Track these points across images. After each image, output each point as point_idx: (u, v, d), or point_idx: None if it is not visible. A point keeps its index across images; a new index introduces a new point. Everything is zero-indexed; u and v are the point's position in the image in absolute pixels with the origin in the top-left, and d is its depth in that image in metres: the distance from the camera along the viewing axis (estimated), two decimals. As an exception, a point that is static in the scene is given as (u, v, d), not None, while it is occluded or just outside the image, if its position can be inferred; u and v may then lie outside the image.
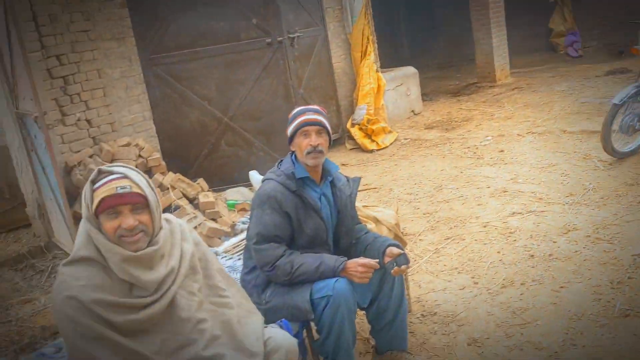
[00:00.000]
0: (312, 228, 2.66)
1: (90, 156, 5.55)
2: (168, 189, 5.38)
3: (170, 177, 5.66)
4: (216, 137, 6.50)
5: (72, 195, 5.20)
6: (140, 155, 5.64)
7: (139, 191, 1.91)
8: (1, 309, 4.39)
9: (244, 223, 4.74)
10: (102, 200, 1.86)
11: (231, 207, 5.77)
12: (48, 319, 4.13)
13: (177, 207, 5.17)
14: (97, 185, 1.89)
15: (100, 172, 1.92)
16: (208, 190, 5.90)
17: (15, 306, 4.46)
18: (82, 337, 1.81)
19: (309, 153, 2.66)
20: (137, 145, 5.76)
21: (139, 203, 1.91)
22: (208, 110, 6.42)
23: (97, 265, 1.89)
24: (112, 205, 1.86)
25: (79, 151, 5.57)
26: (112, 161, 5.53)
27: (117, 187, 1.87)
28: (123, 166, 1.95)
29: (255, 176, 6.03)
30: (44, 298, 4.52)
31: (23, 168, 5.50)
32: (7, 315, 4.30)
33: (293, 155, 2.76)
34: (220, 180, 6.35)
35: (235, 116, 6.52)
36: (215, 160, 6.54)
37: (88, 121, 5.66)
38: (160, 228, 2.01)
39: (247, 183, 6.12)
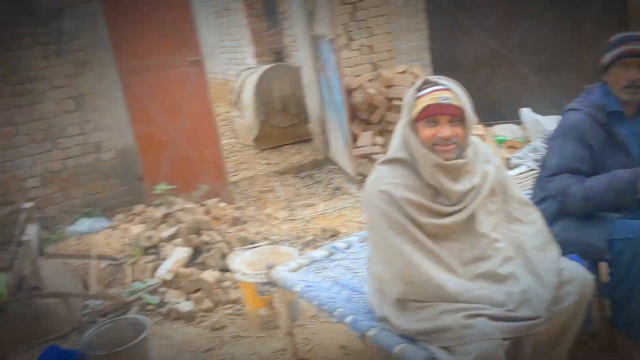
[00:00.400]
0: (616, 165, 2.46)
1: (369, 81, 5.87)
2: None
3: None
4: (491, 70, 6.32)
5: (350, 116, 5.60)
6: (414, 84, 5.77)
7: (459, 104, 1.97)
8: (289, 209, 5.04)
9: (519, 158, 4.62)
10: (425, 108, 1.97)
11: (499, 143, 5.64)
12: (327, 222, 4.62)
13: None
14: (421, 93, 2.01)
15: (426, 81, 2.03)
16: (477, 124, 5.83)
17: (299, 208, 5.08)
18: (391, 229, 1.98)
19: (626, 87, 2.43)
20: (412, 73, 5.90)
21: (457, 116, 1.98)
22: (486, 41, 6.24)
23: (409, 167, 2.03)
24: (432, 113, 1.96)
25: (358, 75, 5.93)
26: (388, 87, 5.79)
27: (439, 97, 1.96)
28: (447, 79, 2.02)
29: (527, 114, 5.77)
30: (323, 205, 5.05)
31: (311, 87, 6.07)
32: (292, 214, 4.92)
33: (604, 86, 2.55)
34: (489, 115, 6.19)
35: (514, 49, 6.22)
36: (487, 94, 6.35)
37: (369, 47, 5.95)
38: (469, 145, 2.06)
39: (518, 120, 5.90)
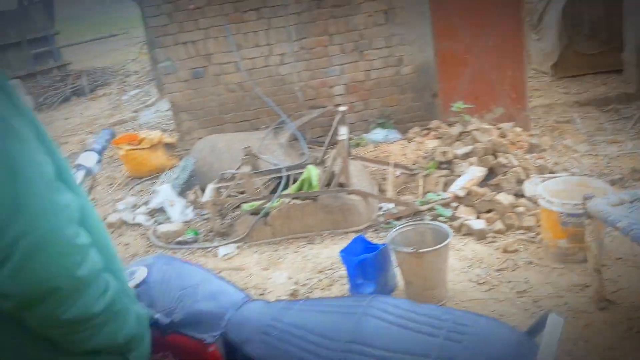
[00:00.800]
0: None
1: None
2: None
3: None
4: None
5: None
6: None
7: None
8: (589, 143, 4.63)
9: None
10: None
11: None
12: (637, 162, 4.13)
13: None
14: None
15: None
16: None
17: (601, 143, 4.63)
18: None
19: None
20: None
21: None
22: None
23: None
24: None
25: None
26: None
27: None
28: None
29: None
30: (632, 143, 4.52)
31: (634, 9, 5.31)
32: (594, 149, 4.51)
33: None
34: None
35: None
36: None
37: None
38: None
39: None
